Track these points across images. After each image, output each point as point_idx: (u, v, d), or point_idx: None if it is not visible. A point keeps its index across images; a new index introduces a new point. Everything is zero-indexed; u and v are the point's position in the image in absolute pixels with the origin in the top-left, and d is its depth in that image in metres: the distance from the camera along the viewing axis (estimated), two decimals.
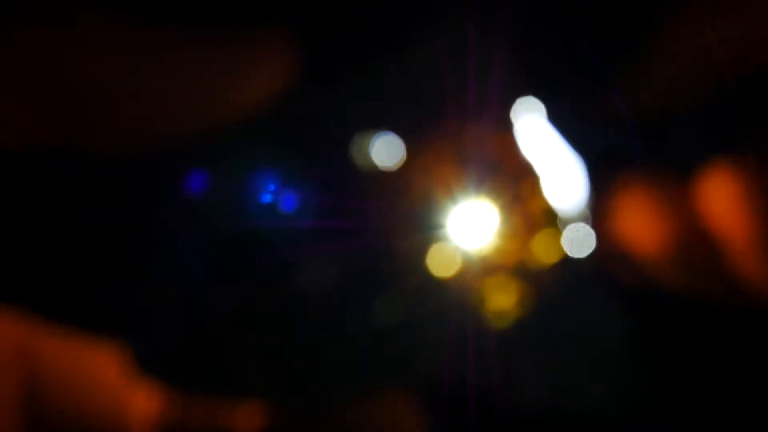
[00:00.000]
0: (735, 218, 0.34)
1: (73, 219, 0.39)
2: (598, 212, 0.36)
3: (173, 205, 0.29)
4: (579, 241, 0.29)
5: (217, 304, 0.29)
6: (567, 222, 0.28)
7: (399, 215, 0.28)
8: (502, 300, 0.28)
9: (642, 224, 0.35)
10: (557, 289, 0.28)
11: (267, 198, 0.29)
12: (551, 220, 0.28)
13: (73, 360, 0.33)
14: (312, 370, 0.28)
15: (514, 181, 0.28)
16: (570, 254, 0.28)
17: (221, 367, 0.28)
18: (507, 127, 0.28)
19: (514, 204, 0.28)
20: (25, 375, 0.32)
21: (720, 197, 0.34)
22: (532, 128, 0.29)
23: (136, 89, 0.26)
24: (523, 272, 0.28)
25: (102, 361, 0.33)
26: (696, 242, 0.36)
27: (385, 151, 0.29)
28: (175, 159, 0.29)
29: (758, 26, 0.35)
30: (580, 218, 0.29)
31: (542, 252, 0.28)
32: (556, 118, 0.39)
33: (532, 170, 0.28)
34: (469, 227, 0.28)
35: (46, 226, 0.38)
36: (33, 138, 0.26)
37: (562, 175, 0.29)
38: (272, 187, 0.29)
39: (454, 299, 0.28)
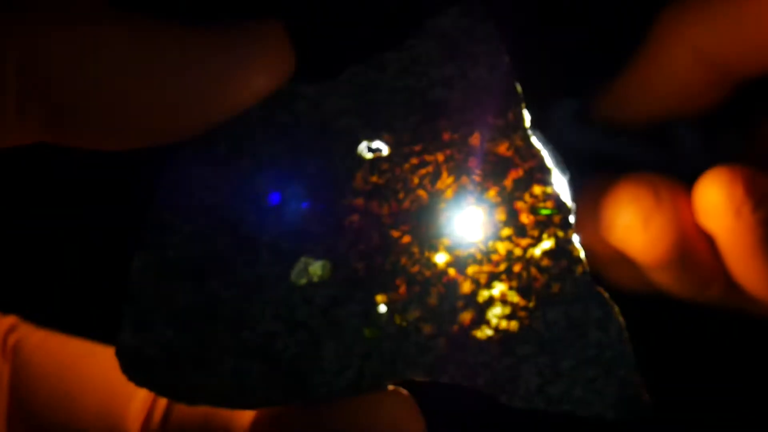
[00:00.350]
0: (731, 224, 0.34)
1: (73, 219, 0.39)
2: (588, 213, 0.37)
3: (172, 203, 0.29)
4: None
5: (217, 301, 0.29)
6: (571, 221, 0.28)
7: (403, 215, 0.28)
8: (505, 299, 0.28)
9: (638, 224, 0.35)
10: (560, 289, 0.28)
11: (270, 198, 0.29)
12: (557, 220, 0.28)
13: (69, 361, 0.33)
14: (311, 369, 0.28)
15: (520, 180, 0.28)
16: (575, 254, 0.28)
17: (220, 366, 0.28)
18: (515, 126, 0.28)
19: (520, 204, 0.28)
20: (17, 376, 0.32)
21: (716, 202, 0.34)
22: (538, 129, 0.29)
23: (137, 88, 0.26)
24: (529, 272, 0.28)
25: (99, 361, 0.33)
26: (693, 246, 0.36)
27: (389, 152, 0.29)
28: (174, 158, 0.29)
29: (755, 29, 0.34)
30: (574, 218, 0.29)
31: (548, 252, 0.28)
32: (553, 119, 0.39)
33: (539, 169, 0.28)
34: (474, 227, 0.28)
35: (46, 226, 0.38)
36: (32, 137, 0.26)
37: (563, 175, 0.29)
38: (274, 187, 0.29)
39: (459, 299, 0.28)
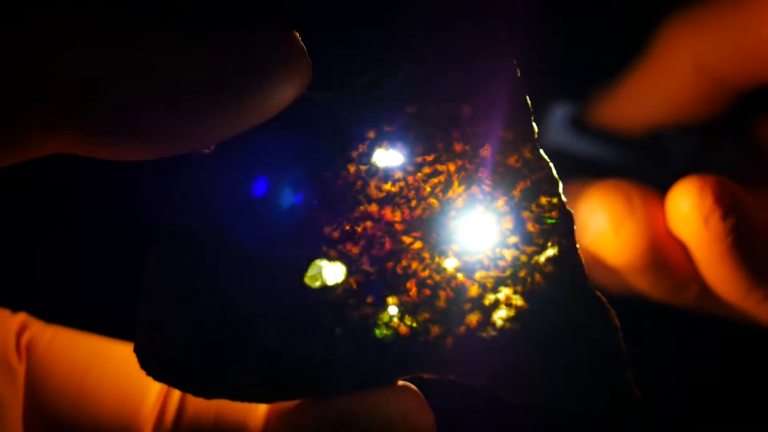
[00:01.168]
0: (700, 232, 0.34)
1: (77, 218, 0.39)
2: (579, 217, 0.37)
3: (187, 206, 0.29)
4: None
5: (223, 301, 0.29)
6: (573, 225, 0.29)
7: (415, 222, 0.29)
8: (510, 303, 0.29)
9: (609, 230, 0.36)
10: (562, 293, 0.29)
11: (276, 202, 0.29)
12: (563, 224, 0.29)
13: (81, 357, 0.33)
14: (324, 366, 0.29)
15: (527, 191, 0.29)
16: (576, 261, 0.29)
17: (236, 361, 0.29)
18: (524, 139, 0.29)
19: (526, 213, 0.29)
20: (31, 374, 0.32)
21: (686, 211, 0.35)
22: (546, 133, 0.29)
23: (164, 100, 0.26)
24: (533, 278, 0.29)
25: (112, 357, 0.33)
26: (665, 252, 0.37)
27: (401, 155, 0.29)
28: (190, 162, 0.29)
29: (749, 40, 0.35)
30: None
31: (551, 259, 0.29)
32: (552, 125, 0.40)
33: (546, 180, 0.29)
34: (482, 234, 0.29)
35: (51, 225, 0.38)
36: (59, 150, 0.26)
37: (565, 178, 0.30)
38: (278, 190, 0.29)
39: (466, 302, 0.29)
